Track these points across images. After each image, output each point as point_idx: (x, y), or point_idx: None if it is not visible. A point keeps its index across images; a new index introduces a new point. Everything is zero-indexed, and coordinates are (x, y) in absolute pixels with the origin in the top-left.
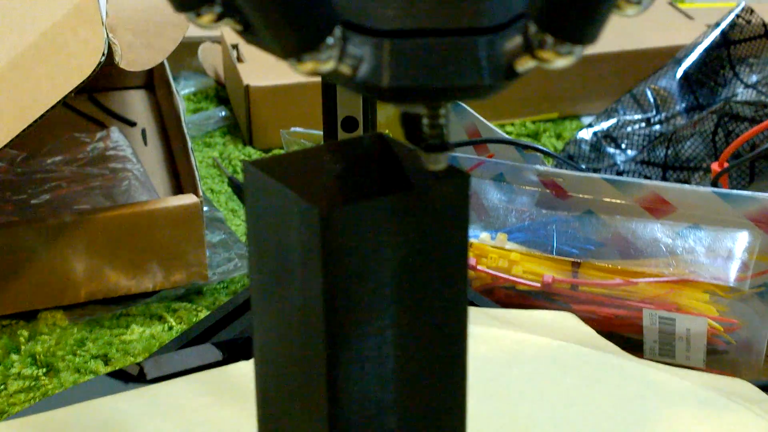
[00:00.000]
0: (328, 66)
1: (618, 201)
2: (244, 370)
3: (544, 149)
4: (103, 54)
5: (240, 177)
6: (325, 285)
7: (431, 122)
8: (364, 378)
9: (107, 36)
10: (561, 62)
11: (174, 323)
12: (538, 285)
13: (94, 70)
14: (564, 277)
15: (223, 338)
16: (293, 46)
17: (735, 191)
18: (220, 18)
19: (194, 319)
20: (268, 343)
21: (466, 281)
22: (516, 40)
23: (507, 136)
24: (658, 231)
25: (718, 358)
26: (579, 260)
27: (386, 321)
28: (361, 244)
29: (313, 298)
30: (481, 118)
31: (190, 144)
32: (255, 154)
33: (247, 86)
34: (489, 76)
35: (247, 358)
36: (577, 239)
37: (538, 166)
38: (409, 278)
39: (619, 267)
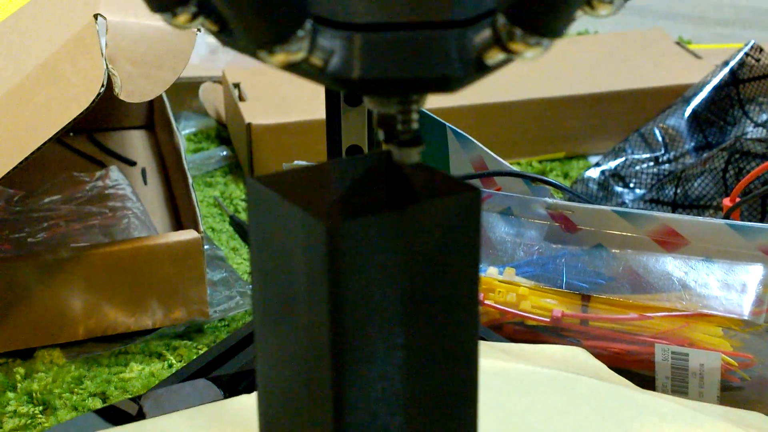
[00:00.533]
0: (299, 57)
1: (629, 234)
2: (246, 404)
3: (554, 182)
4: (103, 85)
5: (242, 216)
6: (331, 303)
7: (403, 118)
8: (372, 401)
9: (107, 66)
10: (530, 53)
11: (174, 361)
12: (548, 320)
13: (94, 100)
14: (574, 311)
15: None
16: (265, 38)
17: (748, 223)
18: (195, 17)
19: (194, 357)
20: (272, 367)
21: (477, 301)
22: (485, 33)
23: (515, 168)
24: (669, 264)
25: (733, 395)
26: (589, 294)
27: (395, 341)
28: (369, 260)
29: (319, 317)
30: (489, 151)
31: (190, 180)
32: None
33: (249, 124)
34: (459, 69)
35: (247, 392)
36: (586, 273)
37: (547, 199)
38: (419, 297)
39: (630, 301)
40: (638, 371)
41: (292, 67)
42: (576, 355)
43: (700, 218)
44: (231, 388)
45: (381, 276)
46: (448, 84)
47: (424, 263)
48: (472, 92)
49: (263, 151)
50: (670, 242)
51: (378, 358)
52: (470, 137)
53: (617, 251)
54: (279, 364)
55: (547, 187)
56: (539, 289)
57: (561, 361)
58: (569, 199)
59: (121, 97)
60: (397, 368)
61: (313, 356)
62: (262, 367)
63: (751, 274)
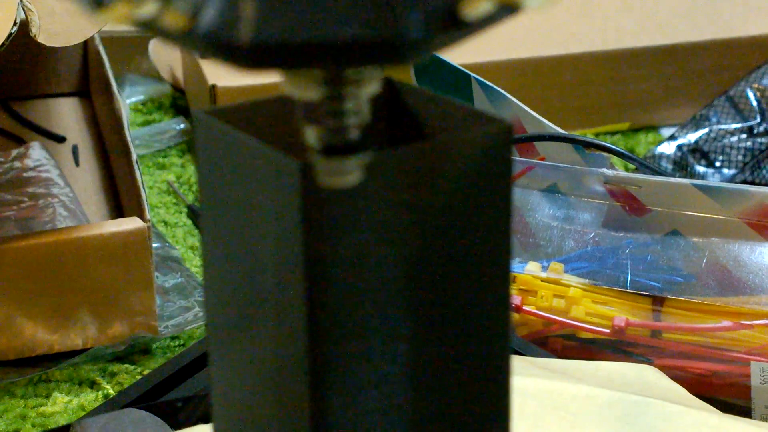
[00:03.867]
0: (148, 9)
1: (715, 216)
2: None
3: (615, 148)
4: (15, 23)
5: None
6: (307, 273)
7: (333, 109)
8: (364, 416)
9: (20, 0)
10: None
11: (111, 391)
12: (607, 331)
13: (2, 44)
14: (642, 320)
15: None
16: None
17: None
18: None
19: None
20: (232, 375)
21: (509, 276)
22: None
23: (561, 131)
24: None
25: None
26: (662, 297)
27: (397, 331)
28: (361, 216)
29: (291, 294)
30: (527, 109)
31: (134, 156)
32: None
33: (213, 87)
34: (416, 26)
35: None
36: (659, 269)
37: (605, 170)
38: (429, 269)
39: (717, 305)
40: (727, 399)
41: (146, 27)
42: (645, 374)
43: None
44: (173, 417)
45: (377, 238)
46: (397, 51)
47: (438, 221)
48: (504, 44)
49: None
50: None
51: (374, 355)
52: (503, 91)
53: (699, 240)
54: (240, 370)
55: (606, 155)
56: (596, 290)
57: (625, 381)
58: (635, 172)
59: (40, 40)
60: (399, 370)
61: (281, 353)
62: (219, 373)
63: None
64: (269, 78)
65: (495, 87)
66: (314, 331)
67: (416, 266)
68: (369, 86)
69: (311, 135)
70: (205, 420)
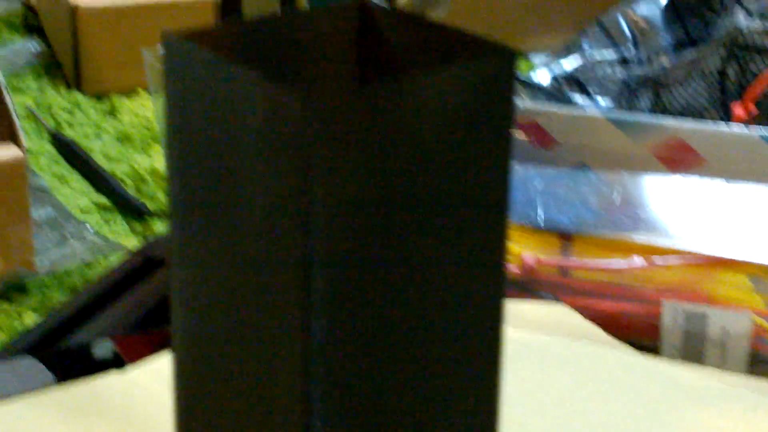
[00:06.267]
0: None
1: (626, 150)
2: (116, 386)
3: (521, 77)
4: None
5: (68, 133)
6: (302, 208)
7: None
8: (358, 352)
9: None
10: None
11: None
12: (516, 270)
13: None
14: (551, 257)
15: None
16: None
17: None
18: None
19: (17, 326)
20: (201, 301)
21: (507, 212)
22: None
23: None
24: (680, 191)
25: (766, 369)
26: (571, 234)
27: (389, 272)
28: (354, 150)
29: (282, 227)
30: None
31: (2, 79)
32: (85, 102)
33: (75, 8)
34: None
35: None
36: (568, 204)
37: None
38: (423, 211)
39: (628, 242)
40: (637, 339)
41: None
42: (560, 315)
43: (723, 127)
44: (63, 368)
45: (370, 174)
46: None
47: (433, 157)
48: None
49: (94, 43)
50: (680, 160)
51: (369, 289)
52: None
53: (609, 174)
54: (212, 283)
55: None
56: None
57: (539, 322)
58: (541, 100)
59: None
60: (395, 302)
61: (267, 273)
62: (182, 299)
63: None
64: None
65: None
66: (305, 266)
67: (411, 205)
68: None
69: None
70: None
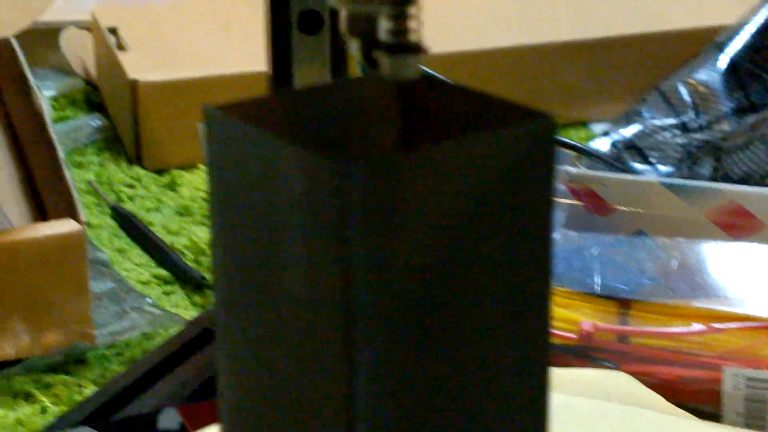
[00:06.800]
0: None
1: (683, 215)
2: None
3: (576, 144)
4: None
5: (128, 206)
6: (343, 266)
7: (397, 25)
8: (398, 402)
9: None
10: None
11: (47, 403)
12: (574, 336)
13: None
14: (609, 324)
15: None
16: None
17: None
18: None
19: (77, 398)
20: (246, 373)
21: (549, 282)
22: None
23: None
24: (740, 256)
25: None
26: (629, 300)
27: (432, 330)
28: (394, 214)
29: (323, 300)
30: None
31: (61, 154)
32: (145, 176)
33: (134, 82)
34: None
35: None
36: (625, 270)
37: (568, 168)
38: (465, 273)
39: (687, 307)
40: (698, 406)
41: None
42: (619, 382)
43: None
44: None
45: (412, 237)
46: None
47: (476, 220)
48: (431, 38)
49: (154, 117)
50: (739, 226)
51: (410, 363)
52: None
53: (667, 240)
54: (255, 355)
55: (567, 151)
56: (560, 293)
57: (600, 389)
58: (599, 168)
59: None
60: (434, 373)
61: (311, 341)
62: (228, 360)
63: None
64: (192, 72)
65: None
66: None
67: (451, 271)
68: None
69: (355, 46)
70: None
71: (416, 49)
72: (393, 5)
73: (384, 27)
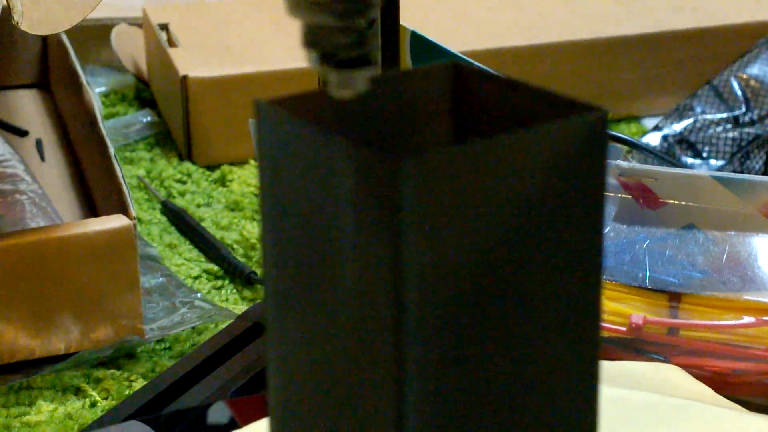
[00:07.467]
0: None
1: (734, 209)
2: None
3: (627, 138)
4: None
5: (178, 202)
6: (395, 261)
7: (345, 25)
8: (448, 396)
9: None
10: None
11: (98, 397)
12: (624, 329)
13: None
14: (659, 317)
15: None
16: None
17: None
18: None
19: (126, 392)
20: (295, 367)
21: (601, 276)
22: None
23: None
24: None
25: None
26: (680, 293)
27: (481, 327)
28: (447, 210)
29: (376, 298)
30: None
31: (112, 151)
32: (196, 172)
33: (185, 78)
34: None
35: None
36: (675, 264)
37: (620, 162)
38: (516, 271)
39: (737, 300)
40: (749, 398)
41: None
42: (669, 374)
43: None
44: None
45: (466, 231)
46: None
47: (529, 214)
48: (484, 34)
49: (203, 112)
50: None
51: (463, 358)
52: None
53: (717, 233)
54: (305, 360)
55: (617, 145)
56: (610, 286)
57: (651, 382)
58: (649, 162)
59: (23, 27)
60: (487, 371)
61: (362, 342)
62: (278, 354)
63: None
64: (242, 68)
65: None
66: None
67: (503, 266)
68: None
69: (312, 58)
70: None
71: (364, 63)
72: (341, 18)
73: (333, 41)
